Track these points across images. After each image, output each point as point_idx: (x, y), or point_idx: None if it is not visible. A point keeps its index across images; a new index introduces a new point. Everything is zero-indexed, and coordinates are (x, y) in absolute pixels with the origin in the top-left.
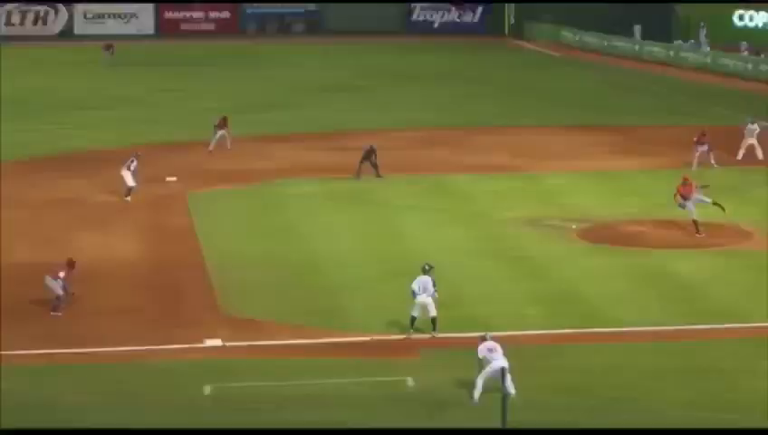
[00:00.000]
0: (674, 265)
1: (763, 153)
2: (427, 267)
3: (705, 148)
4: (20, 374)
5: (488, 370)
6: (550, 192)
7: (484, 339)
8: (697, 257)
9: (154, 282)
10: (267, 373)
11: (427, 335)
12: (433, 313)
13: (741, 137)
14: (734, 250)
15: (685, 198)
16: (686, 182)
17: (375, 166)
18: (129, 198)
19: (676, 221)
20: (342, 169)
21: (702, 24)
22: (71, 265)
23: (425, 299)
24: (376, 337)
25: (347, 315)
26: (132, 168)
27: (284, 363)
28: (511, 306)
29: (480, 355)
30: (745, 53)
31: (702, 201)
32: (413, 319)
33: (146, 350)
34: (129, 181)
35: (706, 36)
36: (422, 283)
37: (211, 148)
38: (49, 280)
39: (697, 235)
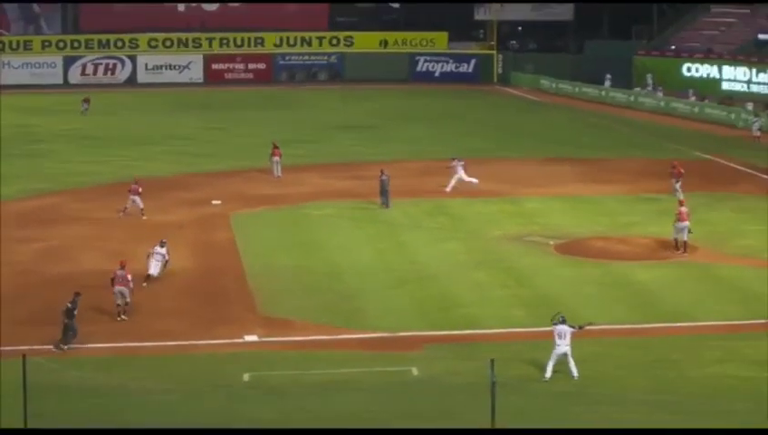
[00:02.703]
0: (634, 274)
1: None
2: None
3: (678, 179)
4: (94, 364)
5: (554, 353)
6: (531, 213)
7: (561, 322)
8: (654, 268)
9: (202, 288)
10: (296, 364)
11: (427, 332)
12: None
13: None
14: (684, 262)
15: (681, 220)
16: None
17: (386, 194)
18: (145, 284)
19: (635, 239)
20: (358, 194)
21: (648, 74)
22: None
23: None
24: (387, 334)
25: (363, 316)
26: (160, 252)
27: (310, 355)
28: (499, 309)
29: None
30: (692, 98)
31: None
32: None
33: (195, 344)
34: (152, 269)
35: (653, 81)
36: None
37: (278, 174)
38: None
39: (678, 252)
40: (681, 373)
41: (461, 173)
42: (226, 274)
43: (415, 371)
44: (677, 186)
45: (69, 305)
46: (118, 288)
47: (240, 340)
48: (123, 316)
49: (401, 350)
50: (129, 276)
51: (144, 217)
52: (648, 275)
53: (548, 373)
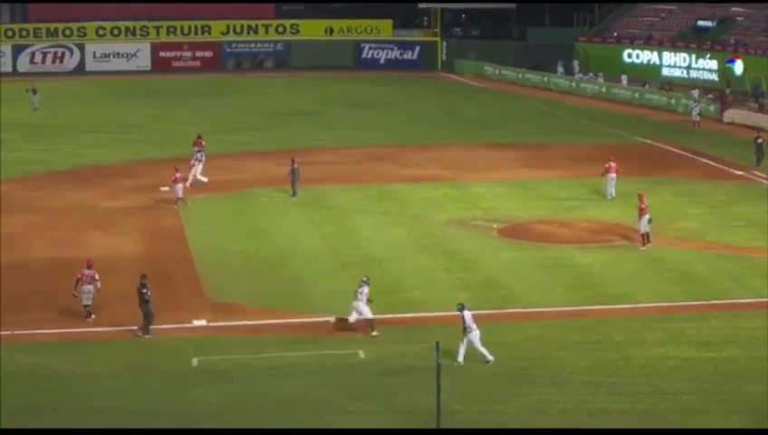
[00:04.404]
0: (575, 257)
1: None
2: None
3: (612, 175)
4: (44, 350)
5: (473, 338)
6: (474, 198)
7: (463, 308)
8: (594, 251)
9: (151, 273)
10: (244, 347)
11: (385, 315)
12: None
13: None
14: (622, 246)
15: (642, 213)
16: (641, 199)
17: (294, 183)
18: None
19: (576, 222)
20: (304, 180)
21: (575, 60)
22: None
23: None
24: (333, 317)
25: (309, 300)
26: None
27: (258, 339)
28: (443, 292)
29: (467, 323)
30: (624, 83)
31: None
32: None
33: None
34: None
35: (579, 67)
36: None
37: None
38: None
39: (642, 247)
40: (623, 355)
41: (199, 167)
42: (175, 260)
43: (362, 353)
44: (611, 188)
45: (141, 290)
46: (86, 287)
47: (189, 325)
48: (93, 316)
49: (347, 333)
50: (97, 275)
51: (175, 207)
52: (590, 258)
53: (489, 356)
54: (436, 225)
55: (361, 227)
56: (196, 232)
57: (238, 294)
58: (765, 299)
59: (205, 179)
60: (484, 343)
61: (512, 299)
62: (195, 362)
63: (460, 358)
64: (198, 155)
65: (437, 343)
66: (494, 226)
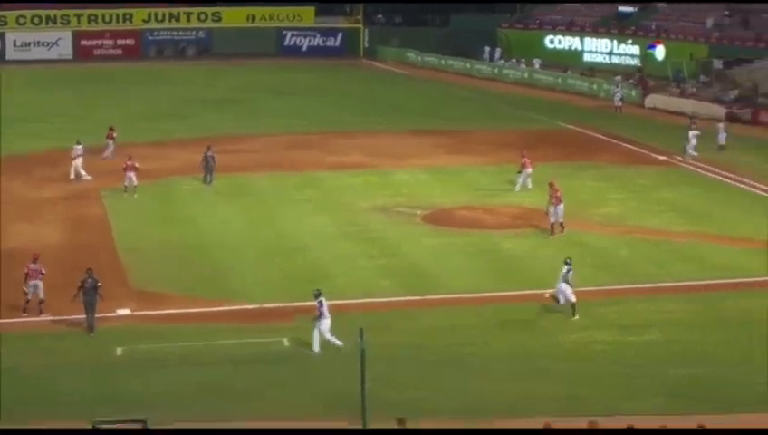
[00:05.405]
0: (499, 243)
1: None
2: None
3: (528, 170)
4: None
5: (328, 325)
6: (398, 185)
7: (320, 295)
8: (518, 237)
9: (74, 262)
10: (168, 336)
11: (297, 303)
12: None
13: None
14: (544, 231)
15: (559, 202)
16: (553, 186)
17: (210, 171)
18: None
19: (499, 208)
20: (227, 168)
21: (486, 47)
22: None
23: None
24: (257, 306)
25: (234, 288)
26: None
27: (182, 328)
28: (367, 279)
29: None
30: (537, 67)
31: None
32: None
33: (67, 319)
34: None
35: (501, 52)
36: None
37: (106, 155)
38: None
39: (562, 232)
40: (548, 340)
41: (79, 161)
42: (98, 249)
43: (286, 341)
44: (527, 180)
45: (97, 284)
46: (32, 282)
47: (112, 314)
48: (43, 314)
49: (272, 321)
50: (44, 269)
51: (135, 196)
52: (513, 243)
53: (339, 342)
54: (359, 212)
55: (285, 215)
56: (119, 220)
57: (163, 282)
58: (686, 283)
59: (88, 177)
60: (416, 331)
61: (436, 285)
62: (119, 351)
63: (316, 347)
64: (77, 148)
65: (361, 330)
66: (418, 212)
